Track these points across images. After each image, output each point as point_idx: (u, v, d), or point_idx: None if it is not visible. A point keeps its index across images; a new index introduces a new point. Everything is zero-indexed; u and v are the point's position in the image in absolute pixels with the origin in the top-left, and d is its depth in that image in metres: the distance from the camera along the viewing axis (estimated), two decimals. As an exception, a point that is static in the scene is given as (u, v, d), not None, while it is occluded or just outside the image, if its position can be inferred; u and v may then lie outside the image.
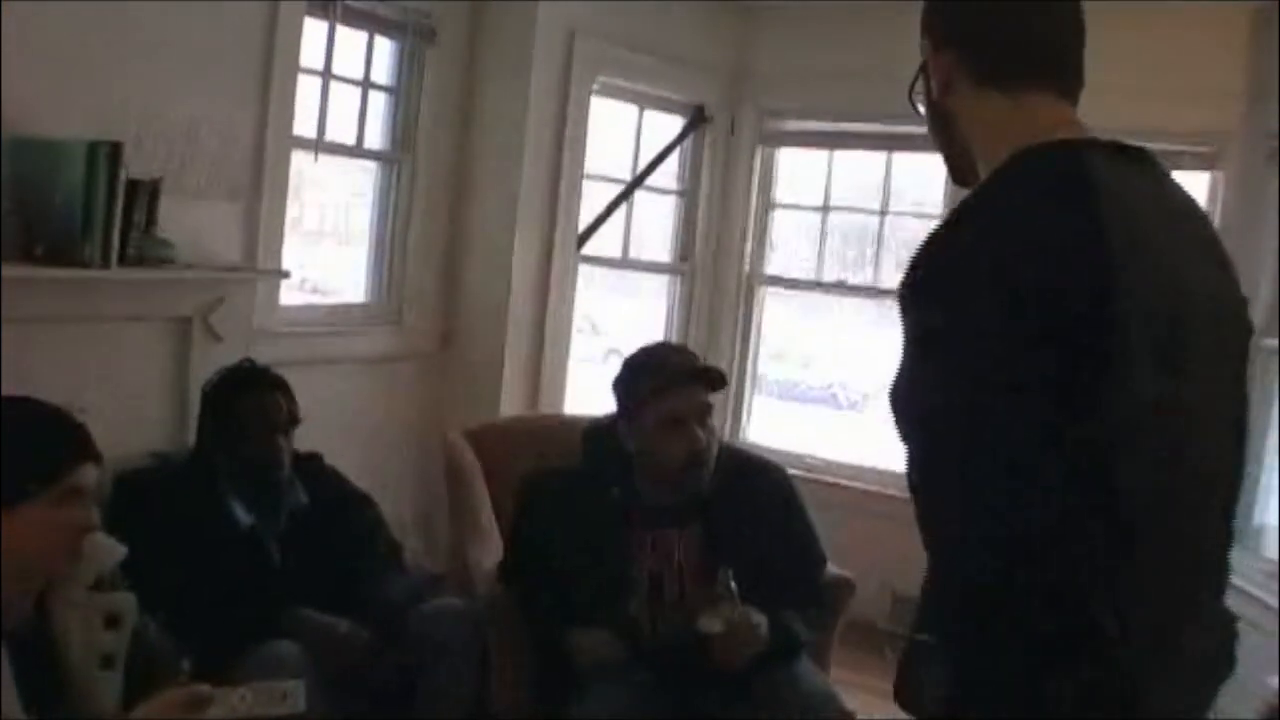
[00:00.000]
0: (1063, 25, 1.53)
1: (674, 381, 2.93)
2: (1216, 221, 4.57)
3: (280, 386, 3.16)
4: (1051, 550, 1.28)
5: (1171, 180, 1.53)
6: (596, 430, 3.16)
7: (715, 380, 3.03)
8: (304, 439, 3.23)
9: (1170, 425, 1.35)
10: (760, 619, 2.78)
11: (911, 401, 1.39)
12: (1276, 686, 3.44)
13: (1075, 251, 1.30)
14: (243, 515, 3.01)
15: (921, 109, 1.61)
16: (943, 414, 1.34)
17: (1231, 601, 1.57)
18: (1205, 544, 1.47)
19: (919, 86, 1.60)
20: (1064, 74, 1.52)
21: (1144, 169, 1.49)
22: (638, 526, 2.96)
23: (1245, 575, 4.16)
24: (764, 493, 3.08)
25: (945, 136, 1.58)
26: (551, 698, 2.94)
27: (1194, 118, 4.60)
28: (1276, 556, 4.06)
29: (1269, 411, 4.43)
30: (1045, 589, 1.28)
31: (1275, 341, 4.39)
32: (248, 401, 3.09)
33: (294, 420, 3.13)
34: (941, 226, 1.42)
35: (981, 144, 1.52)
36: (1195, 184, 4.77)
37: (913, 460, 1.39)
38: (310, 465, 3.22)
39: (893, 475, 4.61)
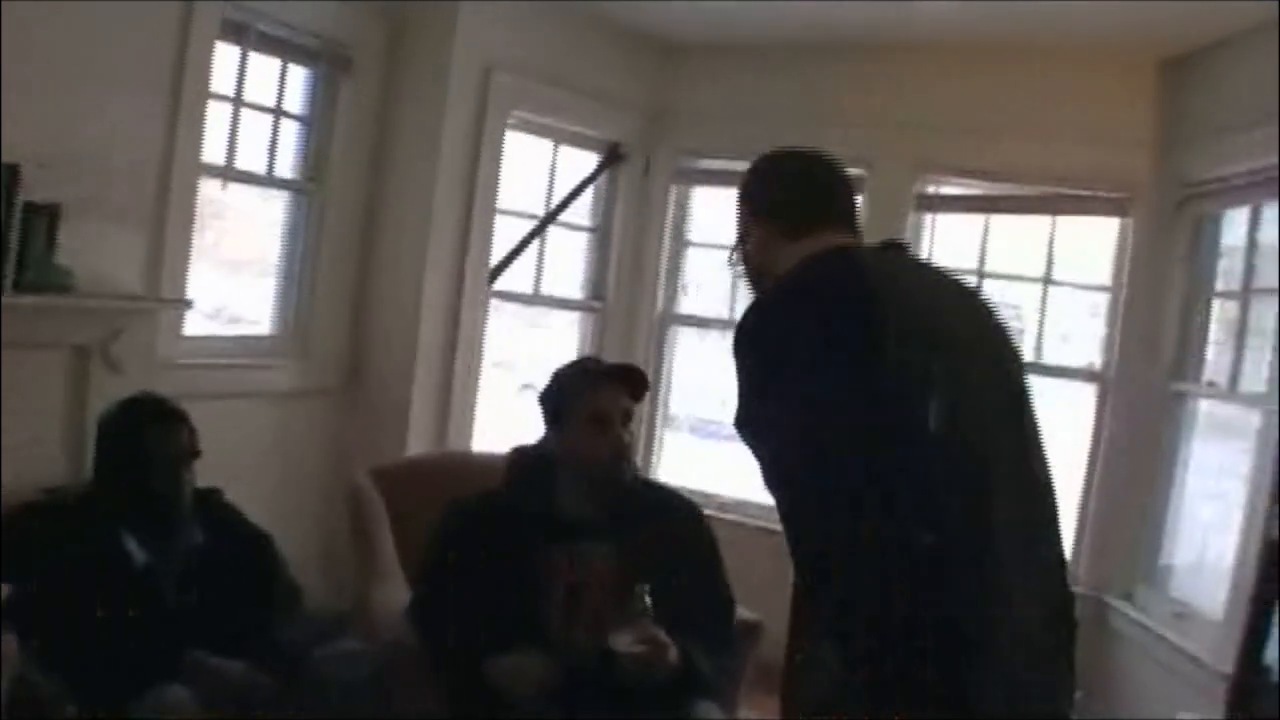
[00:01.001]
0: (838, 186, 2.05)
1: (598, 382, 2.99)
2: (1124, 267, 4.73)
3: (180, 418, 3.07)
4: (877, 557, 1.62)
5: (931, 264, 2.13)
6: (521, 451, 3.16)
7: (638, 383, 3.08)
8: (205, 474, 3.13)
9: (952, 447, 1.69)
10: (670, 643, 2.76)
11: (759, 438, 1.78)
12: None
13: (850, 315, 1.73)
14: (137, 553, 2.91)
15: (739, 269, 2.08)
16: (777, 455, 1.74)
17: (1141, 640, 1.81)
18: (1022, 544, 1.76)
19: (736, 252, 2.08)
20: (844, 221, 2.01)
21: (910, 259, 2.06)
22: (558, 540, 2.94)
23: (1154, 615, 4.23)
24: (679, 524, 3.09)
25: (758, 282, 2.04)
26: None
27: (1105, 165, 4.73)
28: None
29: (1175, 455, 4.51)
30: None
31: (1180, 386, 4.48)
32: (146, 434, 3.00)
33: (194, 453, 3.04)
34: (747, 312, 1.85)
35: None
36: (1105, 229, 4.87)
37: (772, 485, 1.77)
38: (209, 501, 3.12)
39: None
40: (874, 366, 1.67)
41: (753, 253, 2.04)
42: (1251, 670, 3.13)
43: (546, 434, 3.08)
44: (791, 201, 2.02)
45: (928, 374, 1.68)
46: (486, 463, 3.48)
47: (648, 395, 5.45)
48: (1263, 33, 4.01)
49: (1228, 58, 4.31)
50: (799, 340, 1.72)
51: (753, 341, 1.79)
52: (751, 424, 1.77)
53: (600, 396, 2.95)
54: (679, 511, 3.15)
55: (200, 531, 3.03)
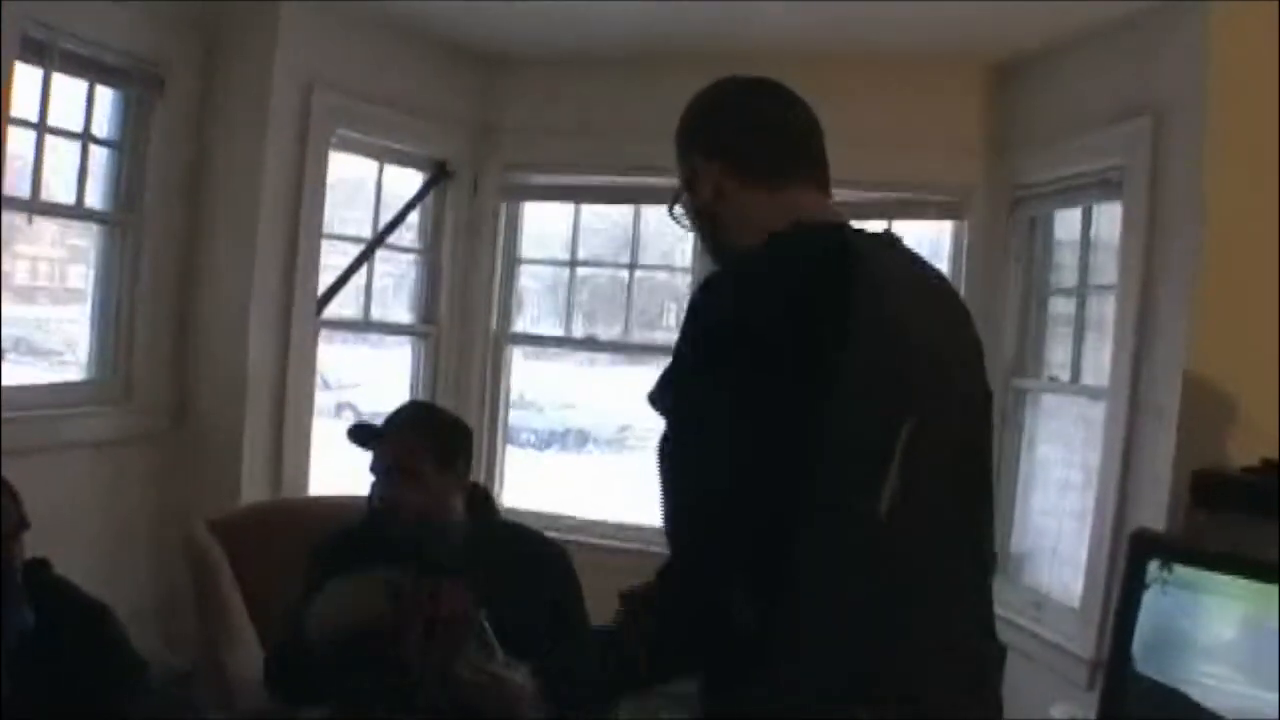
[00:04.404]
0: (810, 128, 1.78)
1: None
2: (961, 269, 4.78)
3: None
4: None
5: (921, 259, 1.77)
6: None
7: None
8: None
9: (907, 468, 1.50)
10: (521, 676, 2.68)
11: (677, 457, 1.56)
12: (1061, 716, 3.49)
13: (827, 313, 1.50)
14: (-39, 641, 2.61)
15: (685, 221, 1.83)
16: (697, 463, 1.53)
17: (1000, 630, 1.68)
18: (944, 571, 1.59)
19: (683, 201, 1.81)
20: (818, 168, 1.77)
21: (896, 250, 1.71)
22: (413, 574, 2.80)
23: (1012, 606, 4.27)
24: (538, 562, 3.01)
25: (714, 236, 1.80)
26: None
27: (938, 169, 4.81)
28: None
29: (1017, 447, 4.57)
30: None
31: (1022, 382, 4.55)
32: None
33: (23, 524, 2.74)
34: (705, 293, 1.60)
35: (750, 235, 1.65)
36: (939, 233, 4.93)
37: (670, 511, 1.55)
38: (38, 577, 2.81)
39: (647, 530, 4.59)
40: (840, 377, 1.48)
41: (709, 201, 1.76)
42: (1123, 663, 3.15)
43: None
44: (756, 138, 1.75)
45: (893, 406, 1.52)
46: (329, 507, 3.34)
47: (486, 418, 5.38)
48: (1092, 39, 4.10)
49: (1058, 63, 4.40)
50: (766, 320, 1.50)
51: (710, 311, 1.57)
52: (672, 396, 1.58)
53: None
54: (539, 550, 3.06)
55: (30, 612, 2.74)
